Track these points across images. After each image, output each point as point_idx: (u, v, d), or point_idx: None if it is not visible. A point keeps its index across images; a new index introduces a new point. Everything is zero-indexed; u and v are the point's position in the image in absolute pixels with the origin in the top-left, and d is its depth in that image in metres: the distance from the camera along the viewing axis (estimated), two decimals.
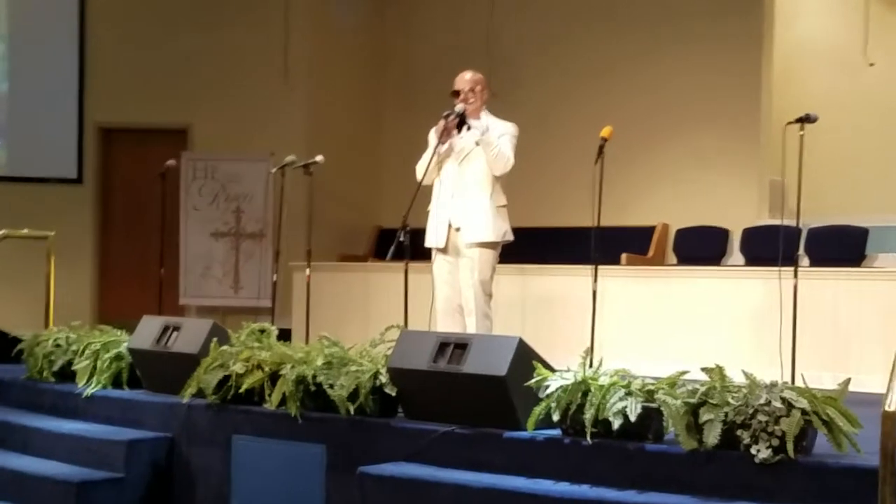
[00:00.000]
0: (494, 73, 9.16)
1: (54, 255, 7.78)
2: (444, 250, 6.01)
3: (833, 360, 6.53)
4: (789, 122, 5.85)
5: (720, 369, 3.80)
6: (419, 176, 5.98)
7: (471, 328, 5.83)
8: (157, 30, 10.56)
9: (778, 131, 6.41)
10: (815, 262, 7.94)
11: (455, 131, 5.95)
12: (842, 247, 8.10)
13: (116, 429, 5.54)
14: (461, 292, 5.96)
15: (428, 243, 6.06)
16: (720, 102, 9.25)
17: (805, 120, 5.81)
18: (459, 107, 5.93)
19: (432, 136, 6.03)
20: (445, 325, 5.92)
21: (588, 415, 3.92)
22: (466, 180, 5.95)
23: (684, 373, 3.94)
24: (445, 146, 5.94)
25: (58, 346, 6.19)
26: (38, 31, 10.73)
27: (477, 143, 5.93)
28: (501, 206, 6.01)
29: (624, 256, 8.55)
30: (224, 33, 10.50)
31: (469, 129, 5.95)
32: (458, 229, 5.97)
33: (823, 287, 6.74)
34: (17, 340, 6.55)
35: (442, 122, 5.90)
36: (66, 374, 6.08)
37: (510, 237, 6.03)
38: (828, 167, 9.17)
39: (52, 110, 10.66)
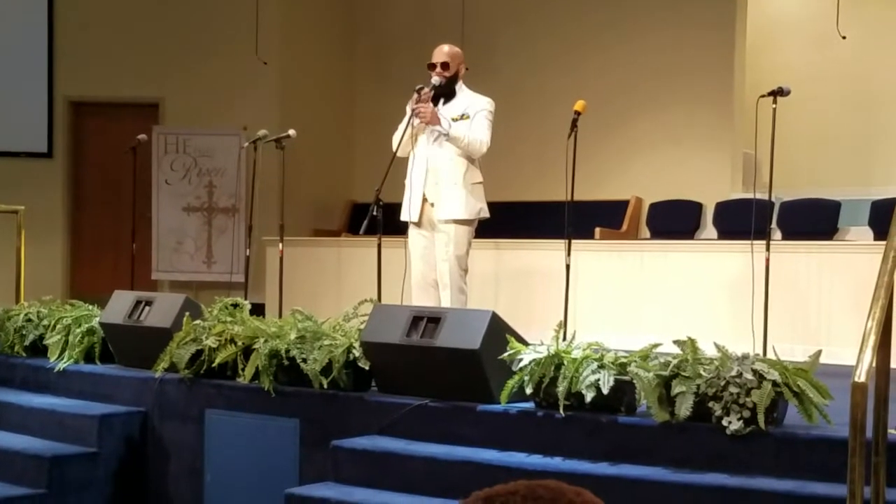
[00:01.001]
0: (468, 45, 9.11)
1: (25, 229, 7.70)
2: (419, 224, 5.98)
3: (805, 333, 6.58)
4: (762, 96, 5.86)
5: (692, 342, 3.81)
6: (394, 147, 5.94)
7: (445, 302, 5.81)
8: (127, 3, 10.43)
9: (751, 105, 6.42)
10: (788, 235, 7.98)
11: (430, 104, 5.89)
12: (814, 220, 8.14)
13: (89, 403, 5.51)
14: (436, 267, 5.94)
15: (403, 217, 6.03)
16: (693, 76, 9.25)
17: (778, 93, 5.81)
18: (435, 79, 5.88)
19: (409, 108, 5.97)
20: (420, 299, 5.91)
21: (561, 388, 3.93)
22: (440, 155, 5.90)
23: (657, 345, 3.95)
24: (419, 120, 5.88)
25: (29, 320, 6.15)
26: (6, 4, 10.58)
27: (462, 117, 5.86)
28: (476, 182, 5.94)
29: (597, 230, 8.57)
30: (195, 6, 10.39)
31: (444, 103, 5.91)
32: (432, 204, 5.94)
33: (796, 260, 6.78)
34: None
35: (415, 96, 5.85)
36: (38, 348, 6.04)
37: (485, 214, 5.97)
38: (800, 140, 9.22)
39: (22, 84, 10.52)
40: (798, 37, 10.02)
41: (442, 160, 5.88)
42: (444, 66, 5.91)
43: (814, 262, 6.83)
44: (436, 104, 5.90)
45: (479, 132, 5.85)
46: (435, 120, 5.79)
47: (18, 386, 6.04)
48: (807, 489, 3.39)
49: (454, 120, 5.88)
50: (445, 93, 5.93)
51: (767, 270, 5.82)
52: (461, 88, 5.99)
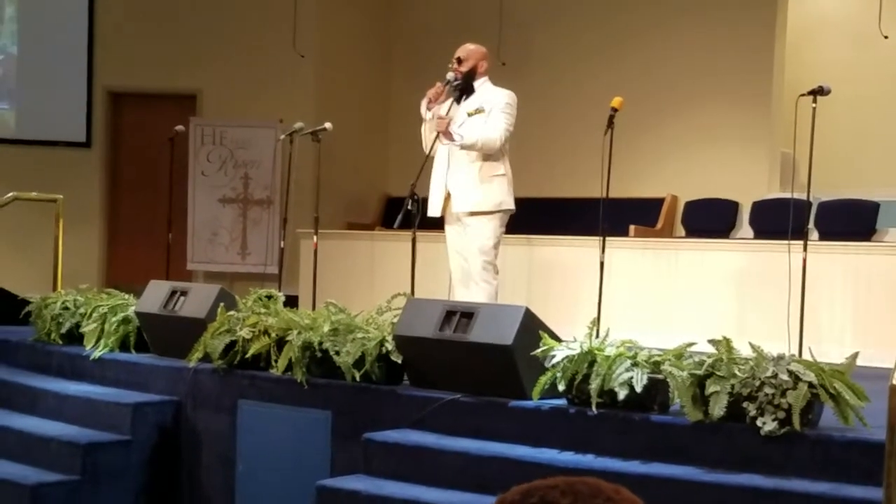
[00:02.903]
0: (505, 41, 9.12)
1: (63, 218, 7.78)
2: (448, 219, 5.97)
3: (841, 334, 6.51)
4: (802, 95, 5.80)
5: (727, 341, 3.79)
6: (425, 148, 5.96)
7: (473, 294, 5.81)
8: None
9: (790, 104, 6.36)
10: (825, 235, 7.90)
11: (442, 97, 5.90)
12: (852, 220, 8.05)
13: (123, 392, 5.56)
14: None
15: (429, 212, 6.02)
16: (732, 74, 9.18)
17: (818, 92, 5.74)
18: (449, 75, 5.90)
19: (423, 108, 5.96)
20: (461, 293, 5.90)
21: (594, 385, 3.92)
22: (457, 149, 5.88)
23: (691, 344, 3.93)
24: (431, 114, 5.87)
25: (66, 308, 6.20)
26: None
27: (477, 111, 5.86)
28: (497, 175, 5.88)
29: (632, 228, 8.52)
30: None
31: (465, 98, 5.91)
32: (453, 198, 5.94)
33: (832, 261, 6.71)
34: (25, 303, 6.57)
35: (432, 91, 5.85)
36: (74, 336, 6.10)
37: (507, 207, 5.90)
38: (839, 140, 9.12)
39: (62, 74, 10.62)
40: (839, 36, 9.91)
41: (459, 154, 5.87)
42: (459, 61, 5.93)
43: (851, 264, 6.76)
44: (458, 100, 5.91)
45: (490, 129, 5.81)
46: (448, 136, 5.78)
47: (55, 373, 6.11)
48: (842, 492, 3.36)
49: (469, 115, 5.88)
50: (464, 88, 5.93)
51: (804, 271, 5.77)
52: (481, 84, 5.97)
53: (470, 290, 5.88)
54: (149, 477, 5.27)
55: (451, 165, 5.90)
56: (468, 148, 5.80)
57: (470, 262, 5.87)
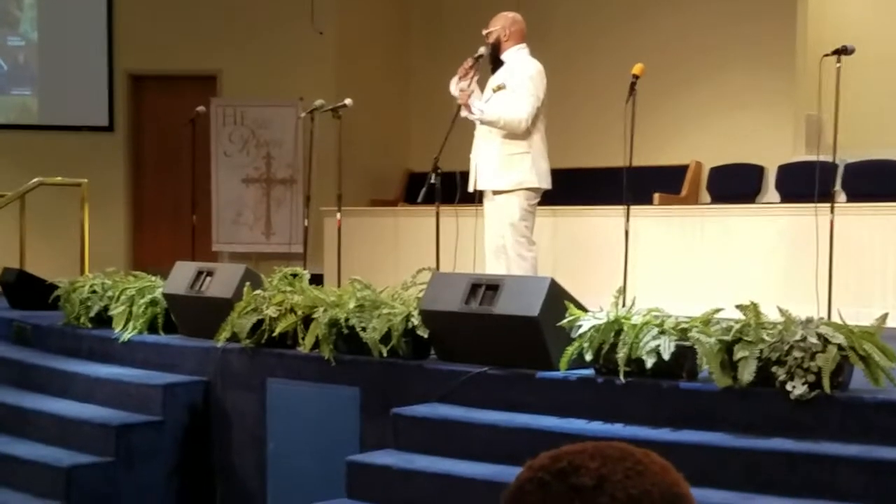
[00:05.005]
0: (524, 13, 8.99)
1: (88, 202, 7.82)
2: (484, 193, 5.92)
3: (870, 296, 6.45)
4: (826, 55, 5.73)
5: (755, 306, 3.76)
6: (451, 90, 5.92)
7: (508, 268, 5.78)
8: None
9: (813, 66, 6.29)
10: (853, 197, 7.82)
11: (471, 73, 5.85)
12: (879, 182, 7.96)
13: (153, 373, 5.60)
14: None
15: (468, 187, 5.99)
16: (754, 37, 9.08)
17: (842, 52, 5.68)
18: (481, 49, 5.84)
19: (453, 86, 5.91)
20: (493, 266, 5.87)
21: (621, 354, 3.91)
22: (481, 126, 5.83)
23: (718, 310, 3.91)
24: (456, 89, 5.84)
25: (94, 292, 6.24)
26: None
27: (499, 88, 5.80)
28: (517, 153, 5.75)
29: (656, 196, 8.46)
30: None
31: (494, 70, 5.86)
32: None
33: (860, 222, 6.64)
34: (53, 287, 6.61)
35: (461, 68, 5.80)
36: (103, 319, 6.14)
37: (529, 185, 5.76)
38: (865, 101, 8.99)
39: (82, 58, 10.65)
40: None
41: (482, 130, 5.84)
42: (488, 34, 5.87)
43: (879, 225, 6.69)
44: (493, 70, 5.87)
45: (515, 109, 5.68)
46: (468, 108, 5.72)
47: (85, 356, 6.16)
48: (873, 454, 3.34)
49: (493, 91, 5.81)
50: (494, 58, 5.88)
51: (832, 234, 5.72)
52: (513, 53, 5.86)
53: (505, 263, 5.83)
54: (181, 457, 5.31)
55: (479, 141, 5.87)
56: (489, 124, 5.73)
57: (505, 238, 5.82)
